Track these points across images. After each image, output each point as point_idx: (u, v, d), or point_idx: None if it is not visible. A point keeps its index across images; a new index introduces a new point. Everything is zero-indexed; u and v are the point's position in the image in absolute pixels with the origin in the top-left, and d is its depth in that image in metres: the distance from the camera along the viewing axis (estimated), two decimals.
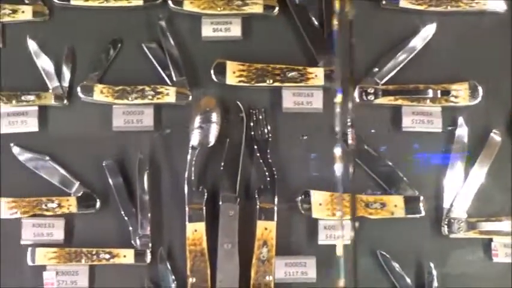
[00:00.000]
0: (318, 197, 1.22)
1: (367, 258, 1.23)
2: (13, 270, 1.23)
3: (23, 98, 1.24)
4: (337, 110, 1.16)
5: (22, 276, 1.22)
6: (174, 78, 1.24)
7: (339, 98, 1.18)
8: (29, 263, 1.21)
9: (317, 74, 1.24)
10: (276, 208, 1.21)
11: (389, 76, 1.25)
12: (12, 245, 1.22)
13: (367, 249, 1.23)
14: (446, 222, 1.23)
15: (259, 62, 1.25)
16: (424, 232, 1.24)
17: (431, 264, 1.23)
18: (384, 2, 1.26)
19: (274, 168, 1.22)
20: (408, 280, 1.23)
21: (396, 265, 1.23)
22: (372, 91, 1.24)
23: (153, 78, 1.26)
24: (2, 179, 1.24)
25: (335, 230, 1.22)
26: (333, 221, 1.22)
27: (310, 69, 1.24)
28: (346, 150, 1.17)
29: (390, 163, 1.24)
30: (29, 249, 1.21)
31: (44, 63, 1.25)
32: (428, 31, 1.26)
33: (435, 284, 1.22)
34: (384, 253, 1.23)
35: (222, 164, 1.22)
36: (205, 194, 1.21)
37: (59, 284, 1.21)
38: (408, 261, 1.24)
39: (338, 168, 1.16)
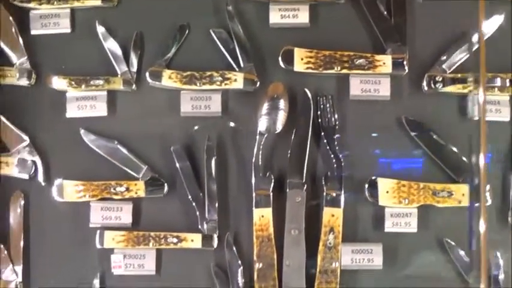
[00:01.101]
0: (384, 184, 1.22)
1: (434, 246, 1.22)
2: (81, 253, 1.24)
3: (92, 82, 1.25)
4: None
5: (90, 259, 1.24)
6: (242, 65, 1.25)
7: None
8: (97, 245, 1.22)
9: (385, 62, 1.23)
10: (342, 195, 1.20)
11: (457, 64, 1.24)
12: (81, 228, 1.23)
13: (433, 237, 1.23)
14: None
15: (326, 49, 1.24)
16: (491, 221, 1.23)
17: (498, 253, 1.22)
18: None
19: (340, 155, 1.22)
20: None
21: (462, 253, 1.22)
22: (440, 79, 1.23)
23: (220, 64, 1.26)
24: (71, 163, 1.25)
25: (402, 217, 1.21)
26: (399, 209, 1.21)
27: (378, 57, 1.24)
28: None
29: (458, 152, 1.23)
30: (98, 232, 1.22)
31: (113, 48, 1.26)
32: (496, 19, 1.25)
33: (501, 272, 1.21)
34: (450, 241, 1.22)
35: (289, 150, 1.22)
36: (272, 180, 1.21)
37: (126, 267, 1.22)
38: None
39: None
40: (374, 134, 1.25)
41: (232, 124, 1.24)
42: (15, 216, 1.23)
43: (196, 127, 1.24)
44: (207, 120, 1.25)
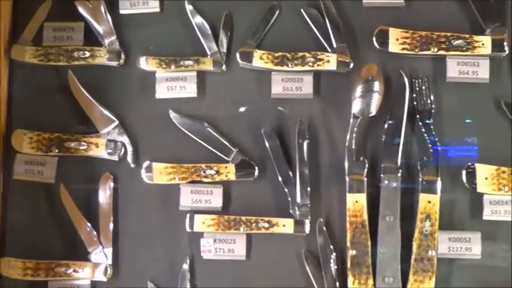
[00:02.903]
0: (483, 170, 1.18)
1: None
2: (171, 236, 1.22)
3: (181, 63, 1.22)
4: None
5: (179, 243, 1.22)
6: (334, 45, 1.21)
7: None
8: (187, 229, 1.20)
9: (484, 43, 1.19)
10: (439, 181, 1.16)
11: None
12: (171, 211, 1.22)
13: None
14: None
15: (422, 29, 1.20)
16: None
17: None
18: None
19: (437, 140, 1.18)
20: None
21: None
22: None
23: (311, 45, 1.23)
24: (160, 145, 1.24)
25: (501, 205, 1.17)
26: (499, 196, 1.17)
27: (476, 38, 1.19)
28: None
29: None
30: (188, 215, 1.20)
31: (202, 28, 1.24)
32: None
33: None
34: None
35: (384, 134, 1.18)
36: (367, 164, 1.18)
37: (216, 251, 1.20)
38: None
39: None
40: (471, 118, 1.20)
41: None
42: (104, 198, 1.22)
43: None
44: (298, 102, 1.21)
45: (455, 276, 1.18)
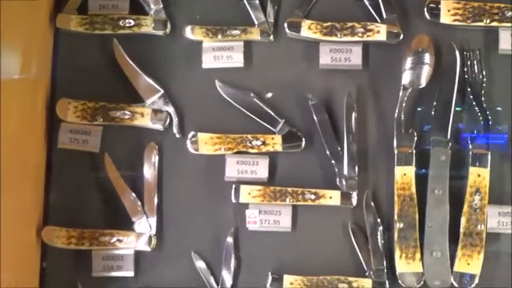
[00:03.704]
0: None
1: None
2: (215, 207, 1.21)
3: (228, 32, 1.21)
4: None
5: (224, 213, 1.21)
6: (385, 16, 1.19)
7: None
8: (233, 200, 1.19)
9: None
10: (490, 154, 1.14)
11: None
12: (216, 181, 1.21)
13: None
14: None
15: (474, 0, 1.18)
16: None
17: None
18: None
19: (488, 113, 1.16)
20: None
21: None
22: None
23: (359, 15, 1.21)
24: (206, 115, 1.22)
25: None
26: None
27: None
28: None
29: None
30: (233, 186, 1.18)
31: None
32: None
33: None
34: None
35: (434, 107, 1.16)
36: (415, 137, 1.16)
37: (261, 223, 1.18)
38: None
39: None
40: None
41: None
42: (149, 168, 1.21)
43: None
44: (347, 74, 1.20)
45: (504, 251, 1.15)
